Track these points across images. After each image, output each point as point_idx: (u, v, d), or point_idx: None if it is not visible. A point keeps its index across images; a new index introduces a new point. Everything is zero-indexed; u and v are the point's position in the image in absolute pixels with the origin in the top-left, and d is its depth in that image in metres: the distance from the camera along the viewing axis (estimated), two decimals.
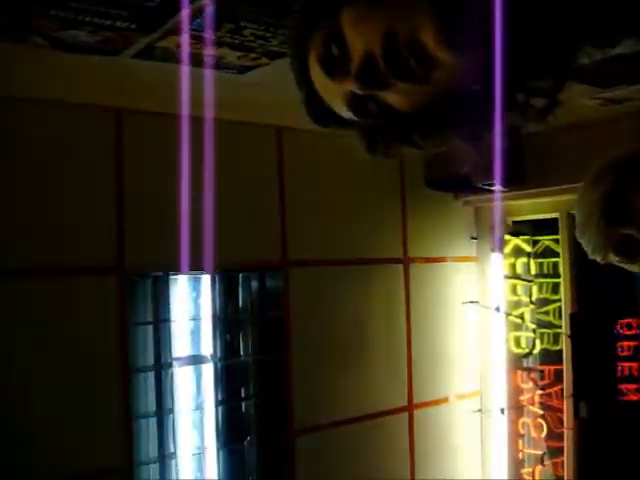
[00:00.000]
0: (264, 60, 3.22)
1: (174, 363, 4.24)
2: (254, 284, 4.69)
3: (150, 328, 4.17)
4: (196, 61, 3.07)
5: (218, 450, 4.37)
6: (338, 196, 4.99)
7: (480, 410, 5.80)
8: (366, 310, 5.19)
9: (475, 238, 5.95)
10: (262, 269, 4.69)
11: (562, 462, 5.37)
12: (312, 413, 4.75)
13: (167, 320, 4.23)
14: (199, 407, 4.39)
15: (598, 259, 1.25)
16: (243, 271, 4.63)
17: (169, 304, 4.27)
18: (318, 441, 4.75)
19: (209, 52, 3.04)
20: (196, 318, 4.45)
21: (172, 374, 4.20)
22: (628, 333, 4.83)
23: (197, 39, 2.86)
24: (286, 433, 4.63)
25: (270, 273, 4.72)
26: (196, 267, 3.98)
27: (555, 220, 5.47)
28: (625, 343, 4.84)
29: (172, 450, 4.19)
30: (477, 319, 5.81)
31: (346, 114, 0.90)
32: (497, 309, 5.73)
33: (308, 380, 4.72)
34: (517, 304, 5.70)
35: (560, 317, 5.42)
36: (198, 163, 3.53)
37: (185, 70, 3.07)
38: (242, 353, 4.58)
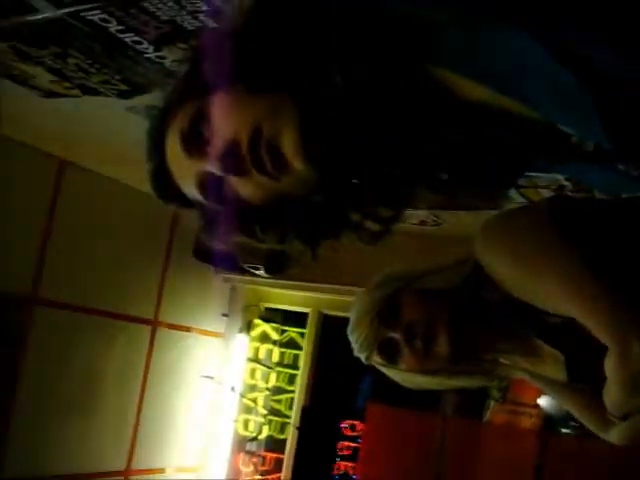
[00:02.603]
0: (76, 92, 3.13)
1: None
2: None
3: None
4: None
5: None
6: (105, 243, 4.84)
7: None
8: (103, 365, 5.00)
9: (226, 315, 6.02)
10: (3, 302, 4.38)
11: None
12: (26, 462, 4.41)
13: None
14: None
15: (362, 357, 1.37)
16: None
17: None
18: None
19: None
20: None
21: None
22: (350, 434, 5.10)
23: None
24: None
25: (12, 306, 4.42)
26: None
27: (305, 315, 5.71)
28: (346, 443, 5.10)
29: None
30: (211, 395, 5.81)
31: (193, 194, 0.89)
32: (232, 389, 5.79)
33: (28, 427, 4.40)
34: (253, 388, 5.80)
35: (291, 408, 5.60)
36: None
37: None
38: None
